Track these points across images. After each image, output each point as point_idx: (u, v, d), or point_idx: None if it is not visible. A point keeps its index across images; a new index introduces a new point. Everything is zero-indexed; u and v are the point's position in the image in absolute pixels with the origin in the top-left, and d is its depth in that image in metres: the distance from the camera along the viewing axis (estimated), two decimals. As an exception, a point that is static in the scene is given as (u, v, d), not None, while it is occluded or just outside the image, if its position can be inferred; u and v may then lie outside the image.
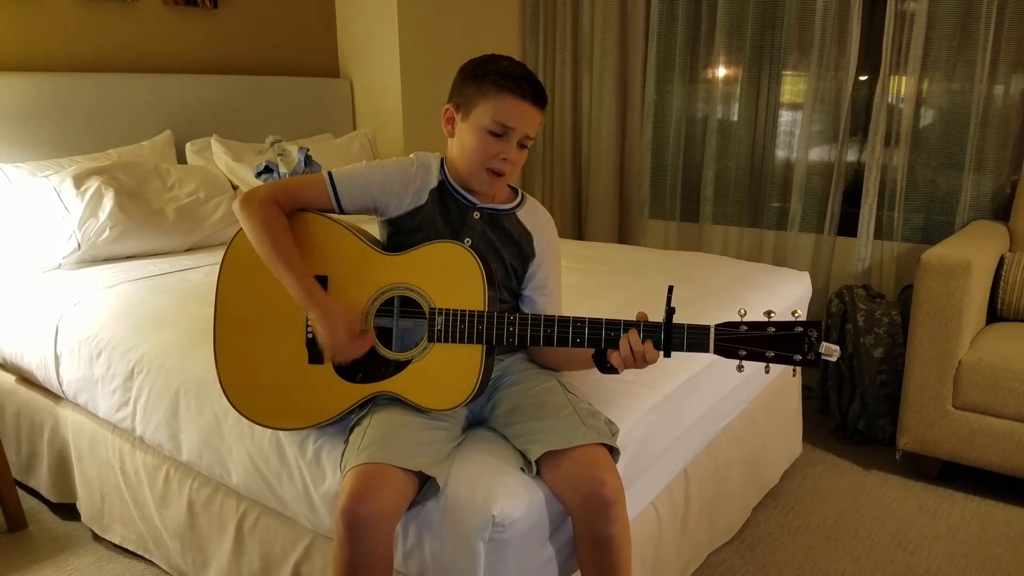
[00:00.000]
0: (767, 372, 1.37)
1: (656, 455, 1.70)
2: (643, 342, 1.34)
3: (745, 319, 1.31)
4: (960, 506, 2.40)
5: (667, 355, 1.34)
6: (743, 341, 1.30)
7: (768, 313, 1.31)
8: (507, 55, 1.50)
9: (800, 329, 1.29)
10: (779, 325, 1.29)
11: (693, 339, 1.32)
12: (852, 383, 2.81)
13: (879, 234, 3.14)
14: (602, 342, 1.36)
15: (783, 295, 2.35)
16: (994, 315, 2.70)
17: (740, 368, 1.33)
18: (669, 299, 1.33)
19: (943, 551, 2.17)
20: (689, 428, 1.84)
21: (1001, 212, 2.93)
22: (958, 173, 2.96)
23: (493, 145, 1.46)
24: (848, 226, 3.22)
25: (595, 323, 1.36)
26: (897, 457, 2.61)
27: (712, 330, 1.31)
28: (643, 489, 1.71)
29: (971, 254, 2.38)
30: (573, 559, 1.43)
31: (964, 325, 2.39)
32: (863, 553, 2.16)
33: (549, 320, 1.37)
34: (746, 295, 2.24)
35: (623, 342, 1.34)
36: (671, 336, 1.32)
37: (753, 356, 1.31)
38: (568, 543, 1.42)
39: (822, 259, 3.28)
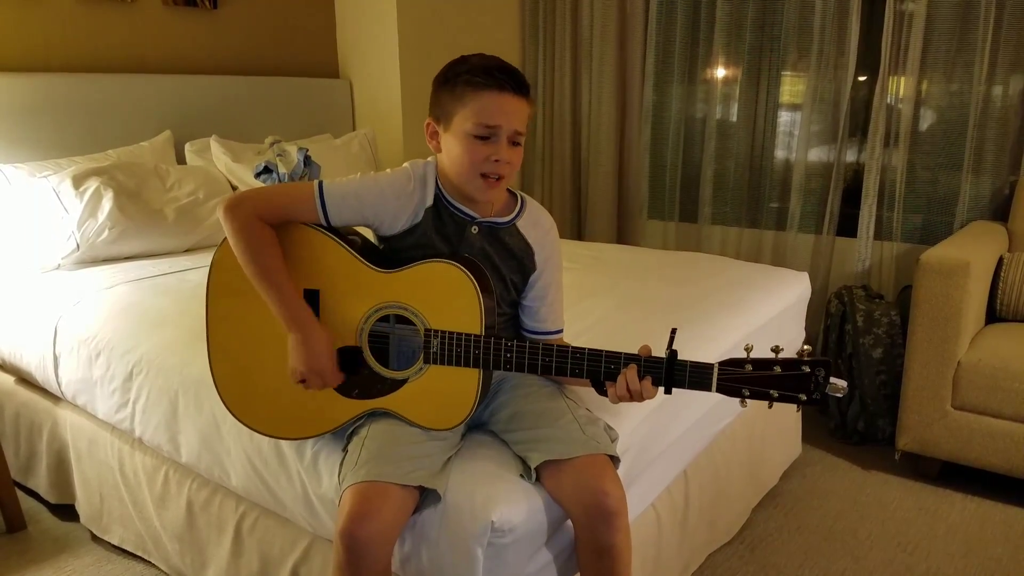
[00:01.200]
0: (770, 408, 1.33)
1: (656, 457, 1.70)
2: (642, 378, 1.31)
3: (751, 356, 1.27)
4: (959, 506, 2.40)
5: (668, 392, 1.32)
6: (747, 381, 1.27)
7: (776, 348, 1.27)
8: (479, 53, 1.42)
9: (807, 369, 1.25)
10: (785, 364, 1.25)
11: (695, 378, 1.29)
12: (851, 383, 2.81)
13: (878, 234, 3.14)
14: (601, 374, 1.34)
15: (782, 296, 2.35)
16: (993, 315, 2.70)
17: (743, 404, 1.30)
18: (671, 341, 1.31)
19: (942, 551, 2.17)
20: (688, 430, 1.84)
21: (1000, 212, 2.93)
22: (957, 173, 2.96)
23: (481, 149, 1.37)
24: (847, 226, 3.22)
25: (595, 355, 1.33)
26: (896, 457, 2.61)
27: (715, 369, 1.28)
28: (643, 490, 1.71)
29: (970, 254, 2.38)
30: (571, 564, 1.43)
31: (963, 325, 2.39)
32: (862, 553, 2.16)
33: (548, 349, 1.35)
34: (745, 296, 2.24)
35: (620, 379, 1.31)
36: (673, 374, 1.30)
37: (757, 395, 1.27)
38: (565, 548, 1.42)
39: (821, 259, 3.28)
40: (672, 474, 1.86)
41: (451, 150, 1.41)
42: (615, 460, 1.38)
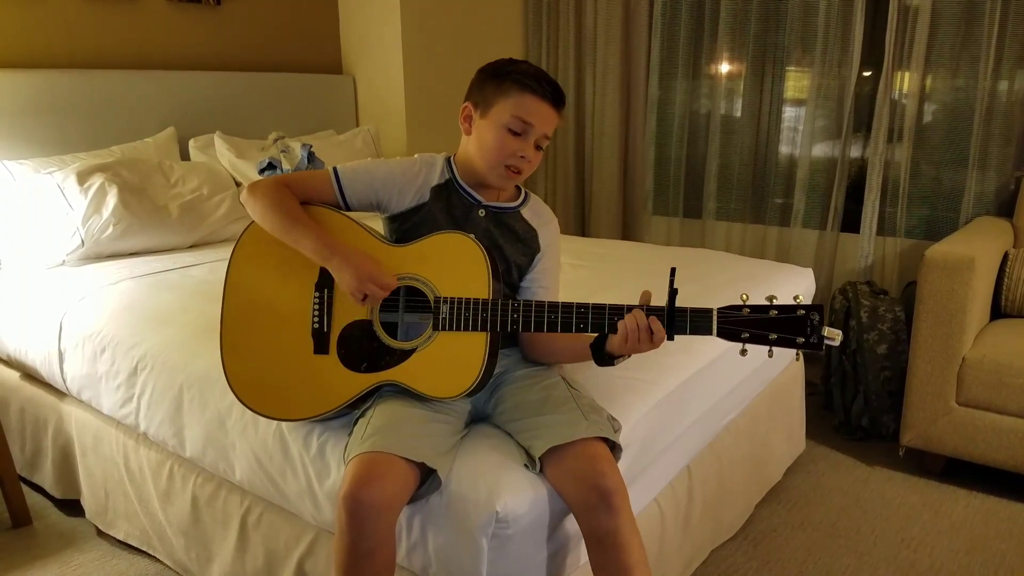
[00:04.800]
0: (770, 356, 1.36)
1: (659, 452, 1.71)
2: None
3: (748, 303, 1.32)
4: (964, 503, 2.40)
5: (670, 338, 1.34)
6: (746, 324, 1.31)
7: (770, 298, 1.31)
8: (525, 60, 1.54)
9: (802, 312, 1.29)
10: (781, 308, 1.30)
11: (696, 322, 1.33)
12: (855, 379, 2.81)
13: (882, 230, 3.13)
14: (605, 327, 1.36)
15: (786, 291, 2.34)
16: (998, 311, 2.69)
17: (743, 352, 1.33)
18: (672, 280, 1.33)
19: (946, 548, 2.17)
20: (692, 425, 1.84)
21: (1005, 208, 2.92)
22: (962, 169, 2.95)
23: (512, 142, 1.48)
24: (851, 222, 3.22)
25: (599, 308, 1.37)
26: (900, 454, 2.60)
27: (715, 313, 1.32)
28: (646, 485, 1.71)
29: (975, 250, 2.37)
30: (575, 556, 1.44)
31: (968, 321, 2.38)
32: (866, 550, 2.16)
33: (553, 306, 1.38)
34: (749, 291, 2.21)
35: (629, 317, 1.33)
36: (674, 319, 1.33)
37: (756, 339, 1.31)
38: (570, 539, 1.42)
39: (825, 255, 3.28)
40: (676, 469, 1.86)
41: (483, 136, 1.50)
42: (617, 450, 1.40)
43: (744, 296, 1.33)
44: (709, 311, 1.32)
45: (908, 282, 3.02)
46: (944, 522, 2.29)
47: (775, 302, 1.31)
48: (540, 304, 1.38)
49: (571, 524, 1.40)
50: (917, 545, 2.18)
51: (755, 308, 1.31)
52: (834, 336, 1.28)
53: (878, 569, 2.08)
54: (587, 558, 1.38)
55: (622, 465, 1.38)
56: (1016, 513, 2.33)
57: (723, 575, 2.05)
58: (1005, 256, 2.65)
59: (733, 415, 2.12)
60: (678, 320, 1.33)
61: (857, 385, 2.81)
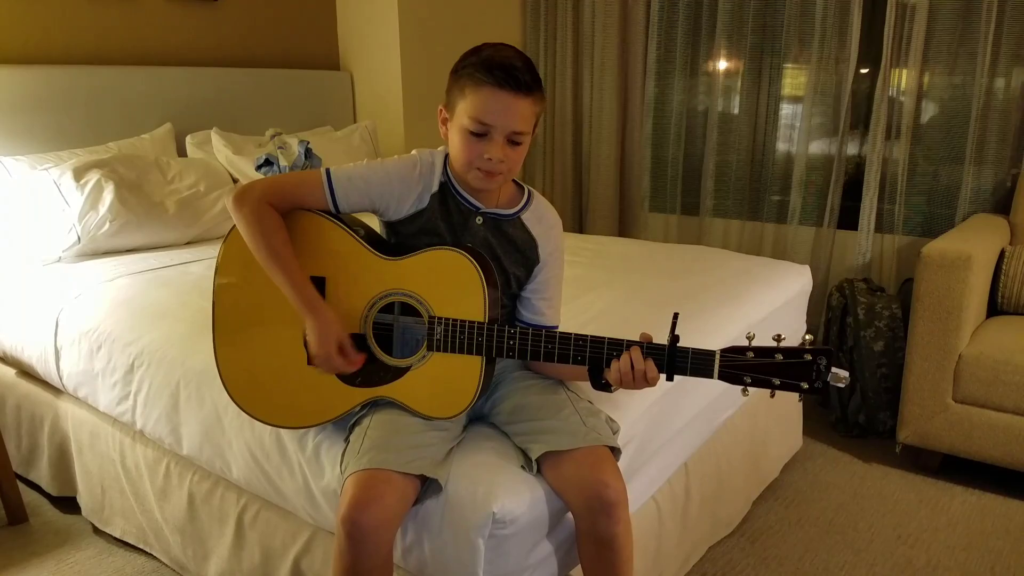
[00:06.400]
0: (772, 396, 1.32)
1: (657, 449, 1.71)
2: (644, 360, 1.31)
3: (753, 343, 1.27)
4: (960, 499, 2.40)
5: (669, 379, 1.32)
6: (749, 368, 1.26)
7: (777, 337, 1.27)
8: (501, 42, 1.39)
9: (809, 357, 1.24)
10: (787, 352, 1.25)
11: (697, 364, 1.29)
12: (852, 376, 2.81)
13: (879, 227, 3.14)
14: (603, 361, 1.34)
15: (784, 289, 2.34)
16: (994, 308, 2.69)
17: (745, 393, 1.29)
18: (674, 326, 1.30)
19: (943, 544, 2.17)
20: (689, 422, 1.84)
21: (1002, 205, 2.93)
22: (959, 166, 2.95)
23: (476, 146, 1.35)
24: (848, 219, 3.22)
25: (597, 341, 1.33)
26: (897, 450, 2.61)
27: (717, 356, 1.28)
28: (644, 483, 1.71)
29: (972, 247, 2.37)
30: (572, 555, 1.43)
31: (964, 318, 2.39)
32: (863, 546, 2.17)
33: (550, 336, 1.35)
34: (747, 289, 2.23)
35: (624, 356, 1.30)
36: (675, 359, 1.29)
37: (759, 383, 1.27)
38: (567, 539, 1.42)
39: (822, 252, 3.28)
40: (673, 467, 1.86)
41: (453, 140, 1.41)
42: (616, 452, 1.39)
43: (750, 335, 1.28)
44: (711, 354, 1.27)
45: (905, 279, 3.02)
46: (940, 518, 2.30)
47: (782, 342, 1.26)
48: (537, 334, 1.35)
49: (567, 525, 1.40)
50: (914, 541, 2.19)
51: (760, 351, 1.26)
52: (840, 379, 1.23)
53: (875, 565, 2.08)
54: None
55: (620, 464, 1.38)
56: (1012, 509, 2.34)
57: (720, 572, 2.06)
58: (1002, 253, 2.65)
59: (730, 412, 2.12)
60: (679, 361, 1.29)
61: (854, 382, 2.81)
